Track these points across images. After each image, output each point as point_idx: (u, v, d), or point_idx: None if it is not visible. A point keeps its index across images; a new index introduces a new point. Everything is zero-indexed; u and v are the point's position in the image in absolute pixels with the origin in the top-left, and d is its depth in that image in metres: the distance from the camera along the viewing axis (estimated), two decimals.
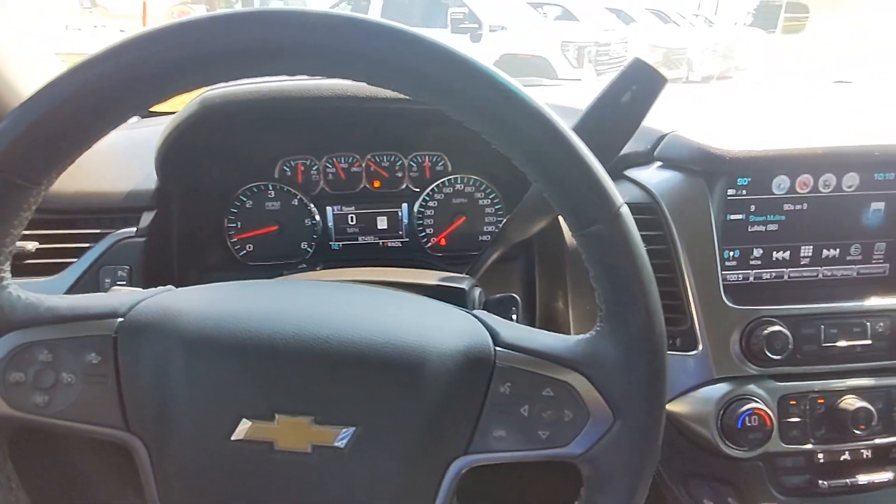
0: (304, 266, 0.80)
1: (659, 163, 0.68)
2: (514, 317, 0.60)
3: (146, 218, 0.69)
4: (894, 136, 0.66)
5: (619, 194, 0.37)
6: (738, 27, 13.87)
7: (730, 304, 0.64)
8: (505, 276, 0.78)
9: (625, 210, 0.37)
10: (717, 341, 0.64)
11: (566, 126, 0.36)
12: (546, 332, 0.42)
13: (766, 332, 0.63)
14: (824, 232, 0.69)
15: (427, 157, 0.83)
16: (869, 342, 0.65)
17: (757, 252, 0.69)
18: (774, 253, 0.70)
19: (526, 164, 0.36)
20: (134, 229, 0.68)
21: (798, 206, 0.68)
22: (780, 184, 0.67)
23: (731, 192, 0.67)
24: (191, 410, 0.37)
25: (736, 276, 0.70)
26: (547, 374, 0.39)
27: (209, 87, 0.65)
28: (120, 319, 0.38)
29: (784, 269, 0.70)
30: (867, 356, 0.66)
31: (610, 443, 0.39)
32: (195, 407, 0.37)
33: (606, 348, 0.39)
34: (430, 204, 0.84)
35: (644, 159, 0.70)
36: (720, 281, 0.64)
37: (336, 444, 0.37)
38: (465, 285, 0.58)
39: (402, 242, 0.86)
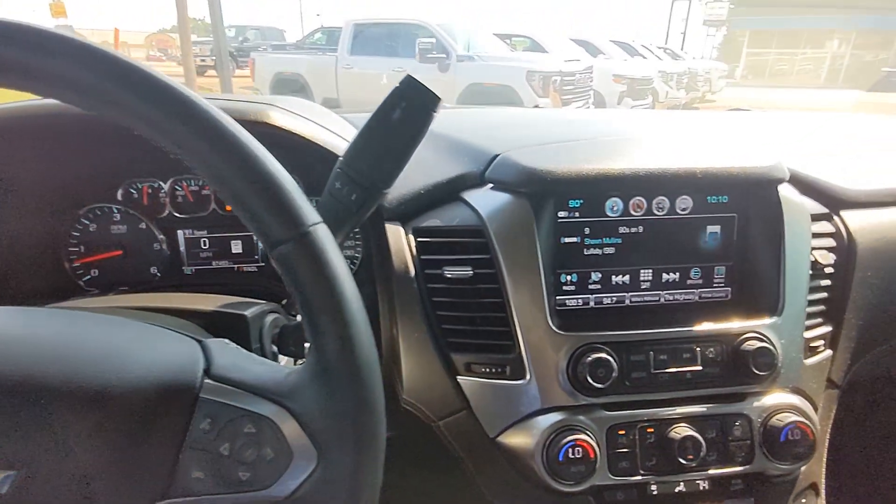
0: (98, 291, 0.76)
1: (491, 185, 0.67)
2: (307, 344, 0.57)
3: None
4: (720, 159, 0.65)
5: (312, 213, 0.35)
6: (703, 61, 14.45)
7: (556, 331, 0.62)
8: None
9: (316, 230, 0.35)
10: (544, 369, 0.62)
11: (250, 141, 0.34)
12: (268, 361, 0.39)
13: (589, 359, 0.60)
14: (663, 255, 0.69)
15: None
16: (699, 368, 0.64)
17: (595, 276, 0.68)
18: (614, 277, 0.68)
19: (210, 181, 0.34)
20: None
21: (634, 229, 0.67)
22: (614, 206, 0.66)
23: (562, 214, 0.65)
24: None
25: (575, 300, 0.68)
26: (249, 409, 0.36)
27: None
28: None
29: (625, 294, 0.69)
30: (698, 383, 0.64)
31: (315, 485, 0.35)
32: None
33: (310, 380, 0.36)
34: None
35: (478, 181, 0.68)
36: (546, 306, 0.62)
37: None
38: (248, 312, 0.55)
39: (257, 267, 0.83)
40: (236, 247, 0.82)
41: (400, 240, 0.68)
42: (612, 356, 0.61)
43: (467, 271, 0.64)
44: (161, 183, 0.79)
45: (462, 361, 0.66)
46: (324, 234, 0.35)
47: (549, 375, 0.62)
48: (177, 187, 0.79)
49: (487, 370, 0.65)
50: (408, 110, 0.47)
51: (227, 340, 0.42)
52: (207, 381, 0.37)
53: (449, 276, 0.64)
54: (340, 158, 0.50)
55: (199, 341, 0.40)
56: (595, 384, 0.60)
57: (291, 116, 0.65)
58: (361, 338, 0.35)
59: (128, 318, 0.43)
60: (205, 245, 0.82)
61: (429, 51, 6.78)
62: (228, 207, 0.81)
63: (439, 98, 0.48)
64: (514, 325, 0.62)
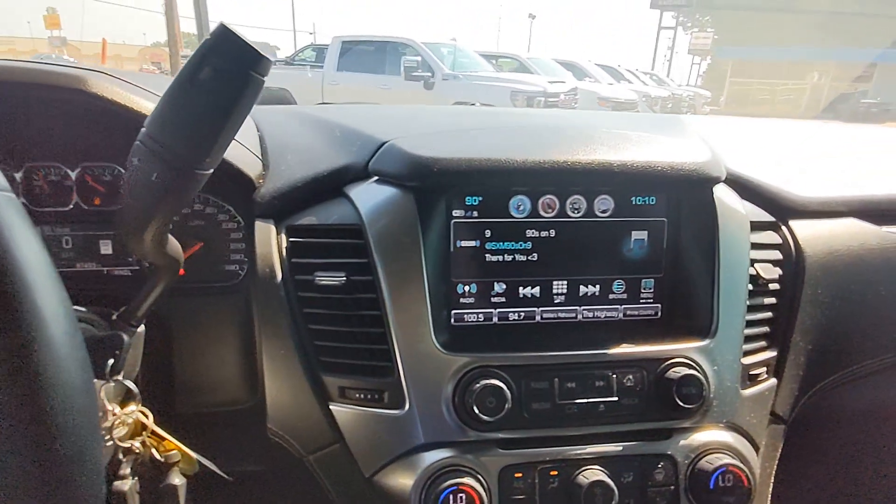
0: None
1: (376, 177, 0.57)
2: (111, 362, 0.46)
3: None
4: (644, 153, 0.56)
5: None
6: (687, 87, 14.75)
7: (441, 351, 0.52)
8: (222, 314, 0.65)
9: None
10: (426, 397, 0.52)
11: None
12: None
13: (478, 386, 0.50)
14: (581, 265, 0.59)
15: None
16: (614, 399, 0.54)
17: (499, 287, 0.58)
18: (521, 289, 0.58)
19: None
20: None
21: (544, 233, 0.58)
22: (519, 205, 0.57)
23: (457, 213, 0.56)
24: None
25: (475, 315, 0.58)
26: None
27: None
28: None
29: (535, 309, 0.59)
30: (613, 417, 0.54)
31: None
32: None
33: None
34: None
35: (363, 173, 0.59)
36: (430, 321, 0.52)
37: None
38: None
39: (131, 271, 0.72)
40: (105, 247, 0.71)
41: (268, 240, 0.57)
42: (505, 383, 0.51)
43: (340, 277, 0.54)
44: (11, 170, 0.68)
45: (335, 385, 0.55)
46: None
47: (432, 405, 0.51)
48: (33, 177, 0.69)
49: (363, 396, 0.54)
50: (220, 70, 0.37)
51: None
52: None
53: (321, 282, 0.54)
54: (142, 129, 0.40)
55: None
56: (483, 416, 0.50)
57: (114, 83, 0.55)
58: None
59: None
60: (67, 244, 0.70)
61: (414, 69, 6.79)
62: (97, 200, 0.70)
63: (265, 56, 0.38)
64: (393, 342, 0.52)
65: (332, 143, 0.64)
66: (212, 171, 0.42)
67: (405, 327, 0.52)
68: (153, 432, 0.47)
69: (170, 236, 0.50)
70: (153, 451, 0.47)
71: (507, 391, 0.50)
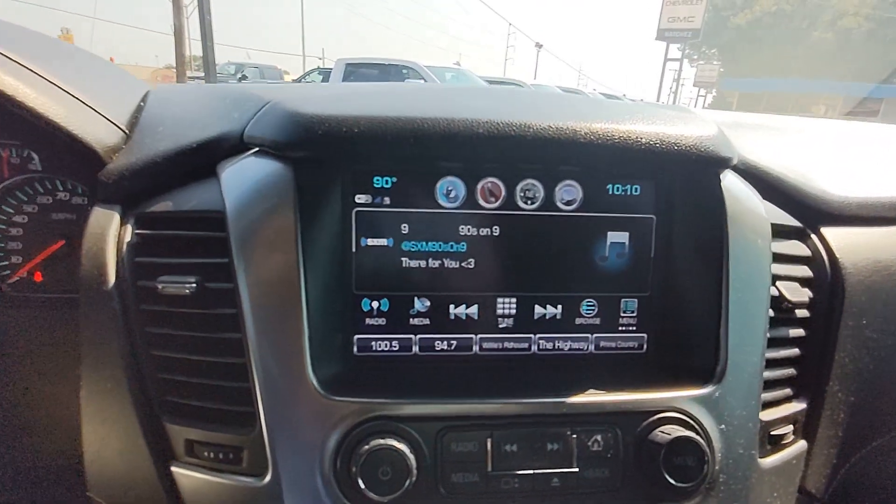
0: None
1: (256, 150, 0.42)
2: None
3: None
4: (624, 121, 0.41)
5: None
6: None
7: (321, 395, 0.36)
8: (74, 335, 0.49)
9: None
10: (295, 461, 0.35)
11: None
12: None
13: (365, 448, 0.34)
14: (536, 277, 0.43)
15: (8, 149, 0.55)
16: (573, 470, 0.37)
17: (421, 304, 0.42)
18: (453, 307, 0.42)
19: None
20: None
21: (485, 231, 0.42)
22: (450, 191, 0.41)
23: (362, 199, 0.40)
24: None
25: (386, 343, 0.42)
26: None
27: None
28: None
29: (472, 336, 0.43)
30: (572, 496, 0.37)
31: None
32: None
33: None
34: (16, 218, 0.56)
35: (238, 145, 0.44)
36: (306, 351, 0.36)
37: None
38: None
39: None
40: None
41: (103, 232, 0.42)
42: (411, 443, 0.35)
43: (190, 284, 0.38)
44: None
45: (182, 437, 0.39)
46: None
47: (303, 473, 0.35)
48: None
49: (214, 455, 0.38)
50: None
51: None
52: None
53: (166, 291, 0.39)
54: None
55: None
56: (371, 494, 0.33)
57: None
58: None
59: None
60: None
61: None
62: None
63: None
64: (254, 380, 0.36)
65: (214, 111, 0.49)
66: None
67: (270, 357, 0.36)
68: None
69: None
70: None
71: (412, 456, 0.34)
